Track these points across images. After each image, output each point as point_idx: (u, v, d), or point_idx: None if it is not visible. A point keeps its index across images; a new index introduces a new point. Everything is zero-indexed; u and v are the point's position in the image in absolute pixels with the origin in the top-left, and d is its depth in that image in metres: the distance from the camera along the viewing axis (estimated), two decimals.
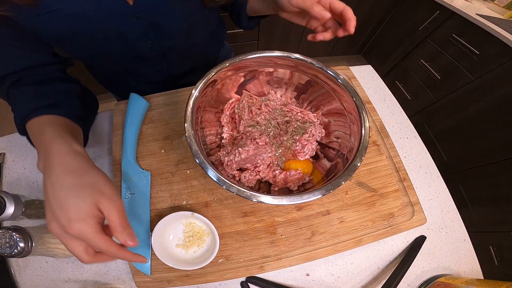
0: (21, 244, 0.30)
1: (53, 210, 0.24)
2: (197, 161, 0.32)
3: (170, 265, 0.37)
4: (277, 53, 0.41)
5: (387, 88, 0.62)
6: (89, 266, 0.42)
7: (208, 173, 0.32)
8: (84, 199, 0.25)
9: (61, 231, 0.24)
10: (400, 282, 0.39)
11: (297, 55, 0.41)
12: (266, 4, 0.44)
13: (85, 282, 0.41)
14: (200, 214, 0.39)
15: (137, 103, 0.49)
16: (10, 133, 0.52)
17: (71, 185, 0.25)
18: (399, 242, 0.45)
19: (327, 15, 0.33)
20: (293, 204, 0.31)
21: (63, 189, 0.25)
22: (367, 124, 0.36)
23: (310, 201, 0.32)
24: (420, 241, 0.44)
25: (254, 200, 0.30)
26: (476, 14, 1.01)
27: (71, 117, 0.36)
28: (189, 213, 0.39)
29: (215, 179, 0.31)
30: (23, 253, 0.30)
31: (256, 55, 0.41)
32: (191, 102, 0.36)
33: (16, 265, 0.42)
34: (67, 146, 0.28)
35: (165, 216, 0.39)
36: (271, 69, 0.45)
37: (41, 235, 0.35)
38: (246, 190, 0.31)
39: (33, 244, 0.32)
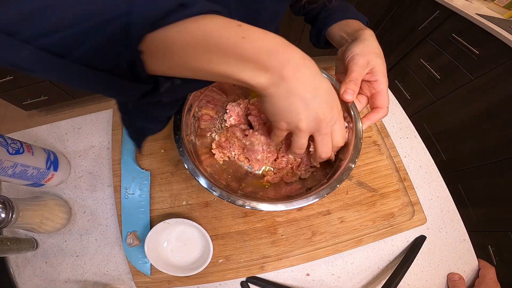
0: (2, 215, 0.30)
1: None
2: (186, 166, 0.32)
3: (167, 272, 0.37)
4: None
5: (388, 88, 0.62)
6: (89, 266, 0.42)
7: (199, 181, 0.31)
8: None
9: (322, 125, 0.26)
10: (400, 282, 0.39)
11: None
12: (340, 40, 0.44)
13: (85, 282, 0.41)
14: (200, 214, 0.39)
15: None
16: (8, 132, 0.51)
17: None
18: (399, 242, 0.45)
19: (348, 100, 0.34)
20: (289, 209, 0.31)
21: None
22: (359, 125, 0.35)
23: (306, 205, 0.31)
24: (420, 241, 0.44)
25: (247, 207, 0.30)
26: (476, 14, 1.01)
27: None
28: (180, 219, 0.39)
29: (206, 186, 0.31)
30: (1, 224, 0.30)
31: None
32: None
33: (16, 266, 0.41)
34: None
35: (156, 224, 0.39)
36: None
37: (26, 207, 0.35)
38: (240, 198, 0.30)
39: (13, 216, 0.32)
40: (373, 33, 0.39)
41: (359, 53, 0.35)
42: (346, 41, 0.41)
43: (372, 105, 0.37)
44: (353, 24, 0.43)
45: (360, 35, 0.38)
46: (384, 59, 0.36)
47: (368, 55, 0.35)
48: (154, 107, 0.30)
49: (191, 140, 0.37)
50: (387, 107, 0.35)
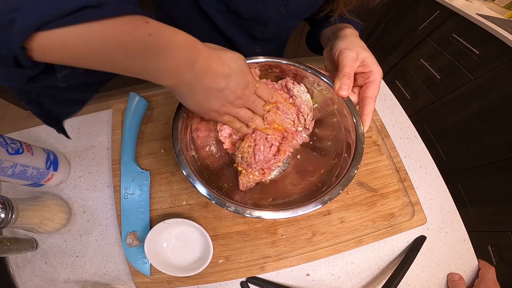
0: (2, 215, 0.30)
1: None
2: (184, 173, 0.31)
3: (166, 272, 0.37)
4: (261, 59, 0.37)
5: (388, 88, 0.62)
6: (89, 266, 0.42)
7: (198, 189, 0.30)
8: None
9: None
10: (400, 282, 0.39)
11: (287, 61, 0.37)
12: (326, 40, 0.45)
13: (85, 282, 0.41)
14: (200, 214, 0.39)
15: (137, 102, 0.48)
16: (8, 132, 0.51)
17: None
18: (399, 242, 0.45)
19: (343, 95, 0.34)
20: (290, 217, 0.30)
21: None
22: (360, 130, 0.34)
23: (309, 213, 0.31)
24: (420, 241, 0.44)
25: (247, 215, 0.29)
26: (476, 14, 1.01)
27: None
28: (180, 219, 0.39)
29: (205, 194, 0.30)
30: (1, 224, 0.30)
31: None
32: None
33: (16, 266, 0.41)
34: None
35: (156, 224, 0.39)
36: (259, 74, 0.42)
37: (26, 208, 0.35)
38: (246, 207, 0.30)
39: (13, 216, 0.32)
40: (354, 30, 0.39)
41: (345, 47, 0.35)
42: (330, 39, 0.41)
43: (361, 95, 0.35)
44: (341, 25, 0.44)
45: (341, 32, 0.39)
46: (370, 52, 0.36)
47: (355, 48, 0.35)
48: (60, 93, 0.25)
49: (191, 154, 0.36)
50: (376, 97, 0.34)
